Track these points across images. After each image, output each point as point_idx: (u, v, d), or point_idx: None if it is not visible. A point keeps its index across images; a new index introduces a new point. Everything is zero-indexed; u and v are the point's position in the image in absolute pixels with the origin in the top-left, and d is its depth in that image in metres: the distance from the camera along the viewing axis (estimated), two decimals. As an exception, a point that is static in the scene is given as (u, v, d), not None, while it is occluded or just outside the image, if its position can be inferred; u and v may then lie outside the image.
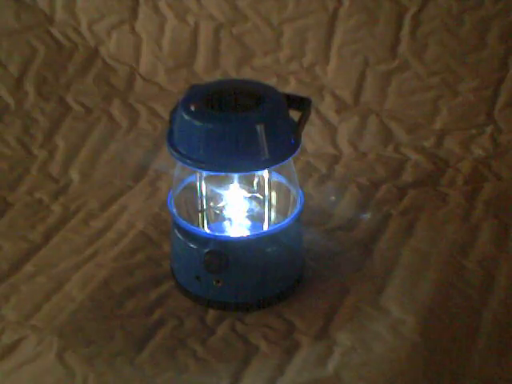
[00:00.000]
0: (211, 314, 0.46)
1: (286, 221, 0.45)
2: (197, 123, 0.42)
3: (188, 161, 0.43)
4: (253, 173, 0.46)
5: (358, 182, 0.58)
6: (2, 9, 0.70)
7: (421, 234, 0.53)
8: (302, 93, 0.65)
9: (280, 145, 0.43)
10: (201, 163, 0.43)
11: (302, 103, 0.46)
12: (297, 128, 0.44)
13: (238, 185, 0.47)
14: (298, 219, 0.46)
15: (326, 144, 0.63)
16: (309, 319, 0.46)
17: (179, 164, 0.45)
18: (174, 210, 0.45)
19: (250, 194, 0.48)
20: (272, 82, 0.66)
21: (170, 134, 0.45)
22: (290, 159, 0.45)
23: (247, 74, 0.67)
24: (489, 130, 0.62)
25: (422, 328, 0.44)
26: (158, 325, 0.46)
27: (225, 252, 0.44)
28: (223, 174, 0.45)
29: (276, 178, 0.47)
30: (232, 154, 0.42)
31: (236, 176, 0.47)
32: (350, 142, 0.63)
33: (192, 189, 0.46)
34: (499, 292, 0.47)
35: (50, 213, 0.56)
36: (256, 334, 0.45)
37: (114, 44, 0.70)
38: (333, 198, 0.56)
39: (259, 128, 0.42)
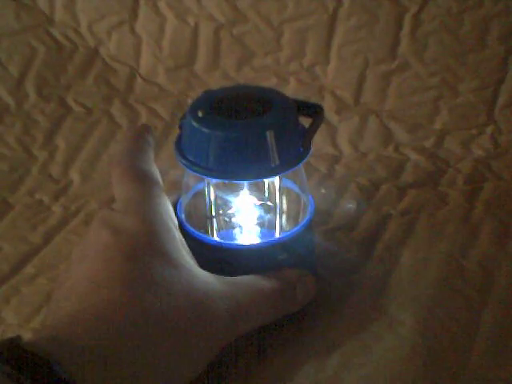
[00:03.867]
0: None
1: (296, 228, 0.44)
2: (204, 130, 0.41)
3: (196, 168, 0.42)
4: (261, 180, 0.46)
5: (358, 182, 0.58)
6: (2, 9, 0.70)
7: (421, 234, 0.52)
8: (302, 93, 0.65)
9: (290, 151, 0.42)
10: (209, 171, 0.42)
11: (313, 110, 0.44)
12: (306, 134, 0.43)
13: (248, 192, 0.46)
14: (309, 226, 0.45)
15: (326, 144, 0.63)
16: (308, 320, 0.46)
17: (188, 172, 0.44)
18: (183, 216, 0.45)
19: (260, 202, 0.47)
20: (272, 82, 0.66)
21: (179, 140, 0.44)
22: (301, 166, 0.44)
23: (247, 74, 0.67)
24: (489, 130, 0.62)
25: (421, 328, 0.44)
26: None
27: (230, 260, 0.43)
28: (231, 181, 0.44)
29: (287, 184, 0.46)
30: (240, 161, 0.41)
31: (245, 183, 0.46)
32: (350, 142, 0.63)
33: (202, 195, 0.46)
34: (499, 292, 0.47)
35: (50, 214, 0.56)
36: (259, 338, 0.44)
37: (114, 44, 0.70)
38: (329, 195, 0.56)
39: (268, 134, 0.41)
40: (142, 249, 0.39)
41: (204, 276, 0.40)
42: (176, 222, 0.42)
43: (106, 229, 0.39)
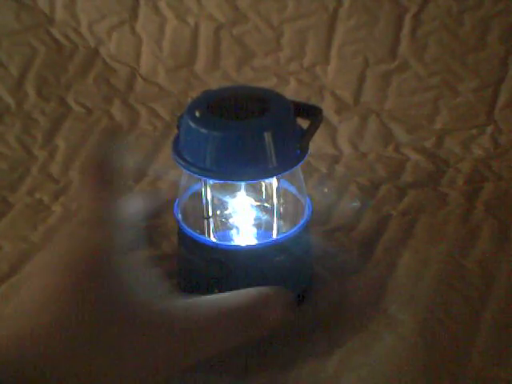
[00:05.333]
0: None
1: (294, 229, 0.44)
2: (201, 130, 0.41)
3: (193, 169, 0.41)
4: (259, 181, 0.45)
5: (357, 182, 0.58)
6: (2, 9, 0.70)
7: (421, 235, 0.52)
8: (302, 93, 0.65)
9: (287, 153, 0.42)
10: (206, 171, 0.41)
11: (311, 112, 0.44)
12: (304, 136, 0.43)
13: (245, 193, 0.46)
14: (306, 228, 0.45)
15: (326, 144, 0.63)
16: (308, 320, 0.46)
17: (184, 172, 0.44)
18: (180, 216, 0.45)
19: (257, 203, 0.46)
20: (272, 82, 0.66)
21: (176, 140, 0.43)
22: (299, 167, 0.44)
23: (247, 74, 0.67)
24: (489, 130, 0.62)
25: (421, 328, 0.44)
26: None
27: (227, 261, 0.43)
28: (228, 182, 0.44)
29: (284, 185, 0.46)
30: (237, 162, 0.40)
31: (243, 184, 0.45)
32: (350, 142, 0.63)
33: (199, 196, 0.45)
34: (499, 292, 0.47)
35: (50, 213, 0.56)
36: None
37: (114, 44, 0.70)
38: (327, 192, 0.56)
39: (266, 135, 0.40)
40: (105, 263, 0.38)
41: (165, 294, 0.38)
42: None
43: (70, 241, 0.39)
